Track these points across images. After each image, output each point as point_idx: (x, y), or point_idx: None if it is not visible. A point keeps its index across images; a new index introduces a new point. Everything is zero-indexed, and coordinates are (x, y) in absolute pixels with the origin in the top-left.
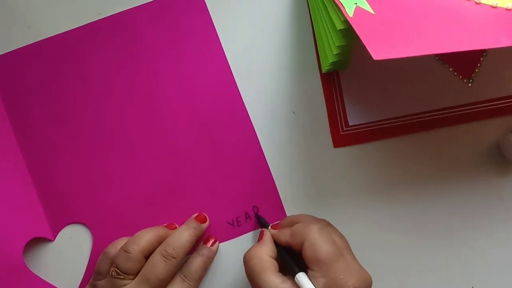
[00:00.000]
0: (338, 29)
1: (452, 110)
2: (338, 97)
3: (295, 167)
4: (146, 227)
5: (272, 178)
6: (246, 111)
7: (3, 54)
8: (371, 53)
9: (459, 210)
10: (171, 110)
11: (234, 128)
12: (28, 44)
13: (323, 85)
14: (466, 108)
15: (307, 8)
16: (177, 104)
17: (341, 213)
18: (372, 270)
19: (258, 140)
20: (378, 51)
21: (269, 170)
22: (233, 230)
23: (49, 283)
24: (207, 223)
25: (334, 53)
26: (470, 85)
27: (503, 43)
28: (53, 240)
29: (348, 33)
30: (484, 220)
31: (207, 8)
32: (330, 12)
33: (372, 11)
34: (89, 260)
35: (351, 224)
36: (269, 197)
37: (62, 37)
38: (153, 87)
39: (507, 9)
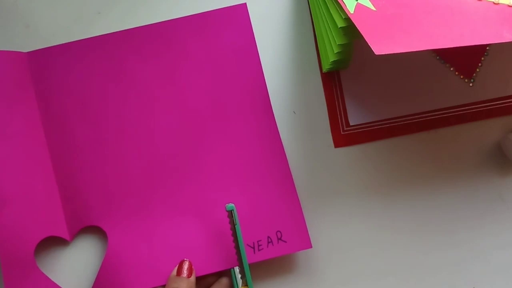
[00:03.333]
0: (339, 27)
1: (453, 110)
2: (339, 97)
3: (295, 167)
4: (163, 239)
5: (299, 204)
6: (278, 134)
7: (40, 50)
8: (372, 48)
9: (460, 210)
10: (202, 124)
11: (264, 150)
12: (28, 42)
13: (323, 85)
14: (467, 108)
15: (308, 7)
16: (209, 118)
17: (341, 213)
18: (372, 270)
19: (287, 163)
20: (379, 46)
21: (297, 195)
22: (253, 254)
23: (56, 284)
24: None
25: (335, 52)
26: (471, 84)
27: (506, 38)
28: (69, 241)
29: (349, 31)
30: (485, 220)
31: (251, 25)
32: (331, 10)
33: (373, 8)
34: (101, 266)
35: (351, 224)
36: (294, 223)
37: (103, 38)
38: (187, 98)
39: (509, 5)
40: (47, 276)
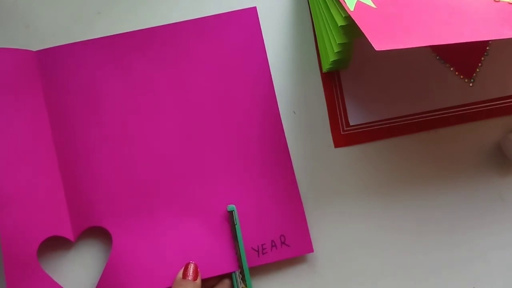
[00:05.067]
0: (339, 25)
1: (453, 110)
2: (339, 97)
3: (295, 167)
4: (168, 240)
5: (303, 208)
6: (285, 139)
7: (48, 49)
8: (372, 44)
9: (460, 210)
10: (208, 127)
11: (271, 154)
12: (28, 42)
13: (323, 85)
14: (467, 108)
15: (308, 7)
16: (216, 121)
17: (341, 213)
18: (373, 270)
19: (292, 167)
20: (380, 42)
21: (300, 199)
22: (257, 257)
23: (58, 285)
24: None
25: (335, 51)
26: (471, 84)
27: (506, 34)
28: (73, 241)
29: (349, 29)
30: (485, 220)
31: (260, 28)
32: (331, 9)
33: (373, 5)
34: (105, 267)
35: (351, 224)
36: (297, 228)
37: (112, 39)
38: (194, 100)
39: (509, 3)
40: (50, 277)
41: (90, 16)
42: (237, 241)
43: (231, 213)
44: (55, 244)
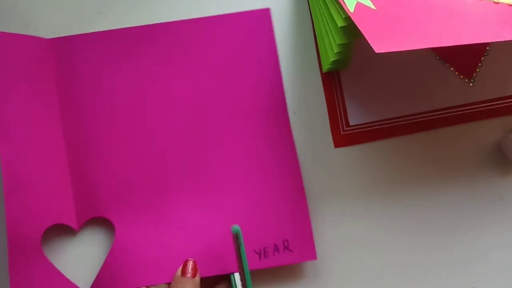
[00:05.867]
0: (339, 26)
1: (453, 110)
2: (339, 97)
3: None
4: (170, 236)
5: (308, 213)
6: (293, 140)
7: (62, 37)
8: (372, 46)
9: (460, 210)
10: (216, 126)
11: (280, 163)
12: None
13: (323, 85)
14: (467, 108)
15: (308, 7)
16: (224, 121)
17: (341, 213)
18: (372, 270)
19: (300, 174)
20: (380, 44)
21: (306, 203)
22: (259, 261)
23: (60, 272)
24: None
25: (335, 52)
26: (471, 84)
27: (506, 37)
28: (77, 231)
29: (349, 30)
30: (485, 220)
31: (273, 31)
32: (331, 10)
33: (373, 7)
34: (107, 258)
35: (351, 224)
36: (302, 233)
37: (125, 32)
38: (203, 99)
39: (509, 5)
40: (52, 264)
41: (90, 16)
42: (241, 262)
43: (235, 235)
44: (58, 232)
